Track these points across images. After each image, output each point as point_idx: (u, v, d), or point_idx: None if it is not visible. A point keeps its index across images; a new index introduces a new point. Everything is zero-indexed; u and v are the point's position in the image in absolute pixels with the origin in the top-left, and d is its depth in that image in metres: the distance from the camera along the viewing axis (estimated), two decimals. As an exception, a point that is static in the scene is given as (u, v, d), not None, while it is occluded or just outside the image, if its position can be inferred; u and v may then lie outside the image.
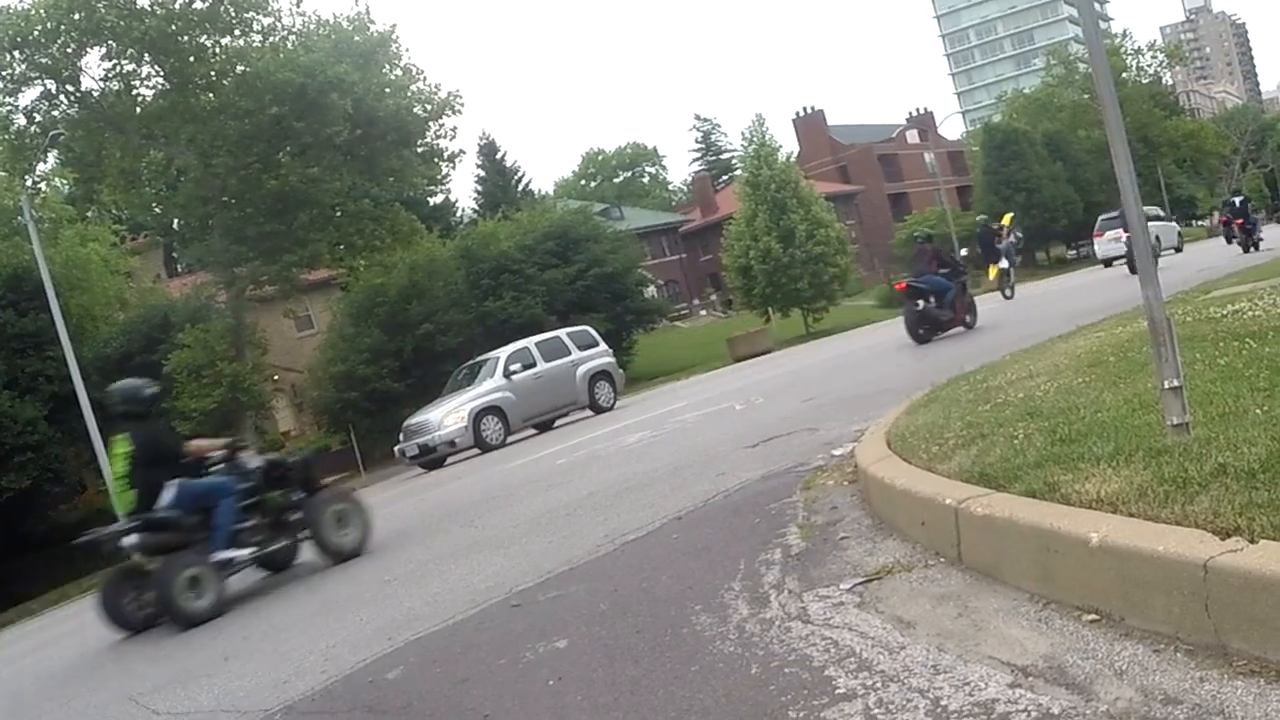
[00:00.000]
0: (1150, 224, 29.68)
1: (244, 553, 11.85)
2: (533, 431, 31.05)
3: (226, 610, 10.85)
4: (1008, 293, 33.94)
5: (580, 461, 16.39)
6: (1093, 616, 4.04)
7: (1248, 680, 3.24)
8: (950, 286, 24.13)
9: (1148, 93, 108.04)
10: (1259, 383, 5.98)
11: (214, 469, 12.29)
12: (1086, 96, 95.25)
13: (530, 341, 32.50)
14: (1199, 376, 6.57)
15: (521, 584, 7.50)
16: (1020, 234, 35.33)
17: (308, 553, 12.49)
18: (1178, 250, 52.55)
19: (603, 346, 33.79)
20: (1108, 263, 48.16)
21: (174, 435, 13.95)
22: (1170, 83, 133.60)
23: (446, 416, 28.80)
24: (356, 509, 12.80)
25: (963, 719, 3.47)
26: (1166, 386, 5.05)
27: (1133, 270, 29.19)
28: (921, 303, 23.65)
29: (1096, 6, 5.79)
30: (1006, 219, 34.91)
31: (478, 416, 28.67)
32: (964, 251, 29.93)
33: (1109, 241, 47.79)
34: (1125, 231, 33.51)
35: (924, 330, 23.58)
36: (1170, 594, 3.65)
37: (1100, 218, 54.64)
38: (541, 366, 30.86)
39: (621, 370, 36.70)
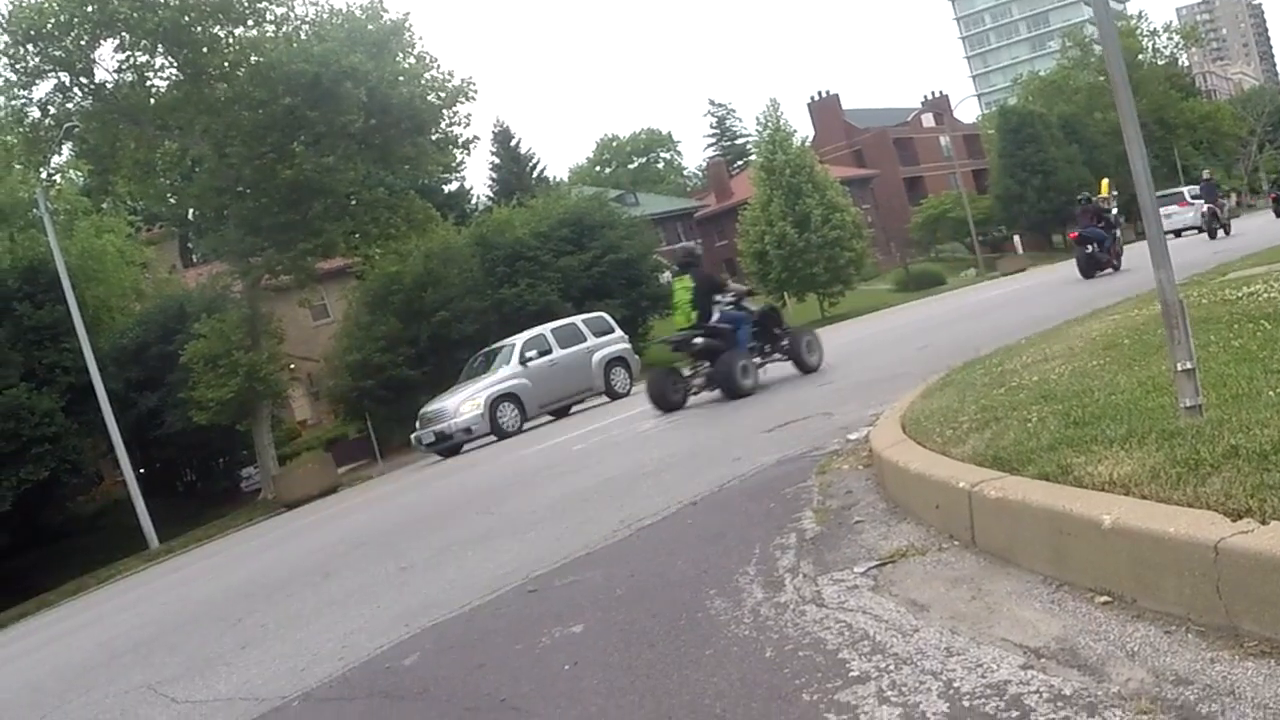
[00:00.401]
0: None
1: (756, 360, 18.78)
2: (549, 418, 31.18)
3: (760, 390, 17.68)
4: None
5: (596, 447, 16.42)
6: (1105, 598, 4.05)
7: (1259, 661, 3.27)
8: (1106, 237, 31.09)
9: (1164, 74, 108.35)
10: (1273, 365, 5.96)
11: (727, 306, 19.06)
12: (1102, 79, 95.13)
13: (546, 328, 32.67)
14: (1213, 359, 6.56)
15: (538, 569, 7.52)
16: (1115, 192, 37.77)
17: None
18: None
19: (618, 333, 33.95)
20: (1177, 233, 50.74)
21: (720, 277, 21.50)
22: (1186, 64, 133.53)
23: (463, 404, 28.98)
24: (817, 340, 19.89)
25: (975, 701, 3.48)
26: (1179, 369, 5.05)
27: (1212, 236, 41.42)
28: (1090, 248, 30.56)
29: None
30: (1105, 187, 36.40)
31: (494, 404, 28.82)
32: (1114, 210, 32.49)
33: (1165, 217, 49.58)
34: (1206, 203, 45.34)
35: (1090, 269, 30.26)
36: (1182, 575, 3.66)
37: (1157, 195, 56.89)
38: (557, 353, 31.00)
39: (637, 356, 36.72)
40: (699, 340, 18.50)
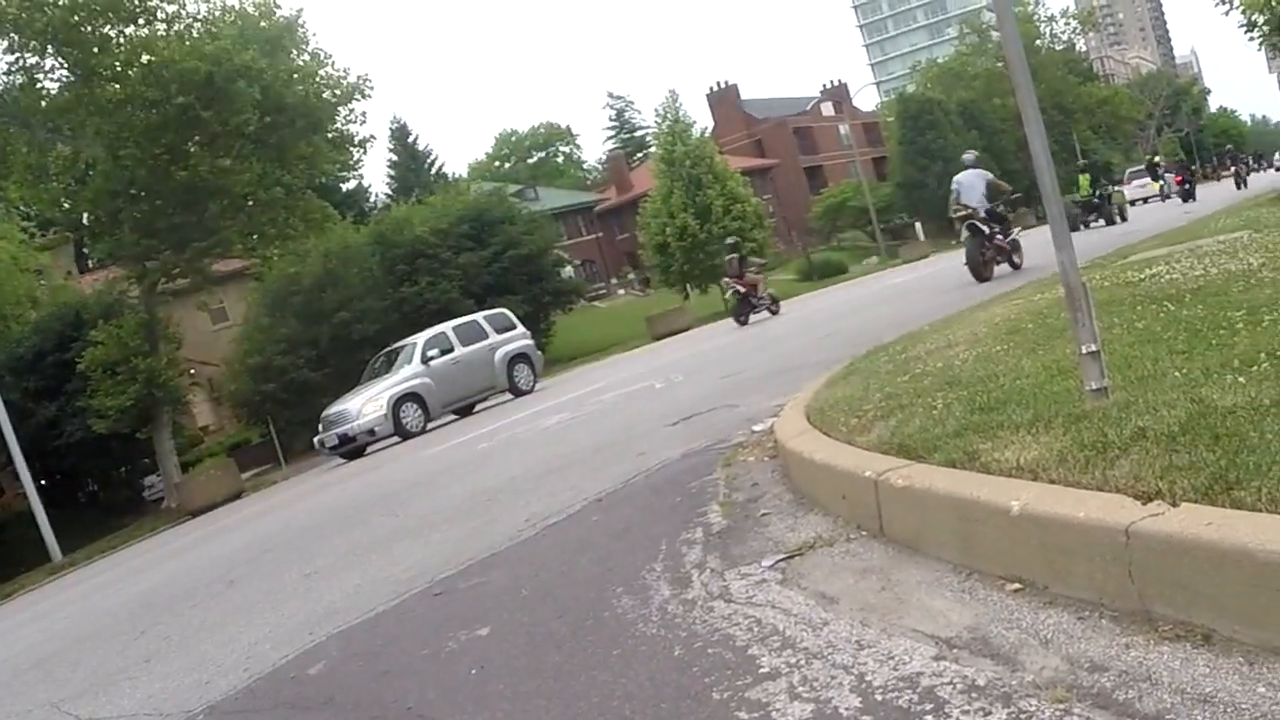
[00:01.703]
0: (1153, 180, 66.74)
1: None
2: (453, 417, 31.06)
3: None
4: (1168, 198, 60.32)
5: (501, 446, 16.38)
6: (1016, 585, 4.02)
7: (1173, 645, 3.24)
8: (1190, 178, 54.84)
9: (1061, 60, 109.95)
10: (1177, 345, 6.03)
11: (1102, 188, 44.96)
12: (1000, 65, 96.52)
13: (447, 326, 32.56)
14: (1117, 341, 6.63)
15: (443, 572, 7.43)
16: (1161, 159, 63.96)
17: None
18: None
19: (520, 329, 33.92)
20: (1133, 202, 63.09)
21: (1106, 173, 56.36)
22: (1084, 49, 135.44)
23: (365, 405, 28.75)
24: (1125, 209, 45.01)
25: (888, 694, 3.43)
26: (1084, 351, 5.05)
27: (1184, 200, 53.88)
28: (1188, 185, 52.33)
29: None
30: (1159, 158, 56.55)
31: (397, 404, 28.64)
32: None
33: (1135, 188, 68.80)
34: (1274, 167, 64.59)
35: (1186, 199, 51.22)
36: (1093, 560, 3.63)
37: (1129, 171, 75.77)
38: (459, 351, 30.90)
39: (540, 352, 36.83)
40: (1095, 200, 42.95)
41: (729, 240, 42.67)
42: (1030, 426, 5.01)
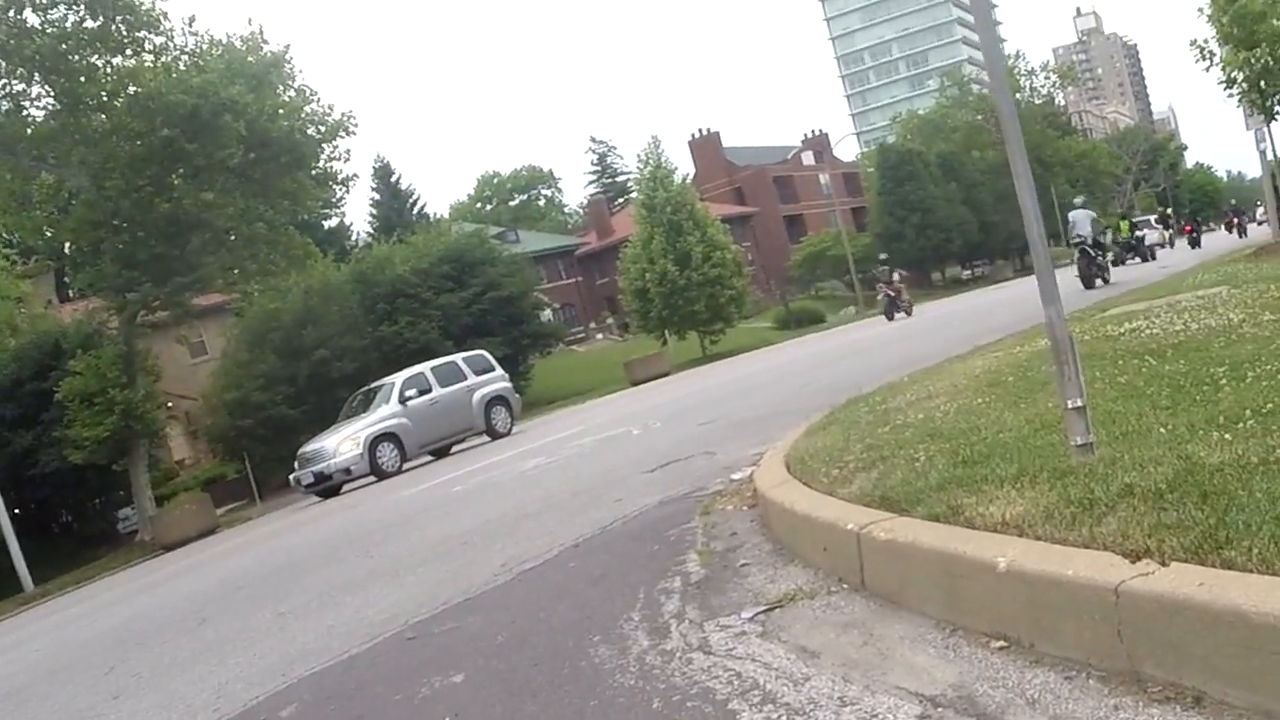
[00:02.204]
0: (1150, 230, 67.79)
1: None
2: (429, 458, 30.95)
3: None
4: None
5: (477, 488, 16.30)
6: (1001, 643, 3.96)
7: (1163, 707, 3.18)
8: (1195, 230, 68.08)
9: (1041, 113, 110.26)
10: (1161, 400, 5.99)
11: (1139, 234, 53.46)
12: (980, 117, 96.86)
13: (426, 367, 32.47)
14: (1100, 395, 6.58)
15: (417, 615, 7.35)
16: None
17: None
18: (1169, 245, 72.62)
19: (499, 371, 33.84)
20: None
21: (1124, 224, 54.22)
22: (1063, 103, 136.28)
23: (342, 444, 28.62)
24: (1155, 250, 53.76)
25: (871, 753, 3.37)
26: (1070, 406, 5.00)
27: (1193, 246, 63.82)
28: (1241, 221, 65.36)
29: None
30: (1169, 210, 67.11)
31: (373, 443, 28.53)
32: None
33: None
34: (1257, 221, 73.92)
35: (1194, 246, 59.80)
36: (1081, 619, 3.57)
37: (1134, 220, 73.59)
38: (437, 392, 30.81)
39: (518, 395, 36.68)
40: (1133, 242, 48.60)
41: (882, 256, 57.06)
42: (1015, 481, 4.96)
